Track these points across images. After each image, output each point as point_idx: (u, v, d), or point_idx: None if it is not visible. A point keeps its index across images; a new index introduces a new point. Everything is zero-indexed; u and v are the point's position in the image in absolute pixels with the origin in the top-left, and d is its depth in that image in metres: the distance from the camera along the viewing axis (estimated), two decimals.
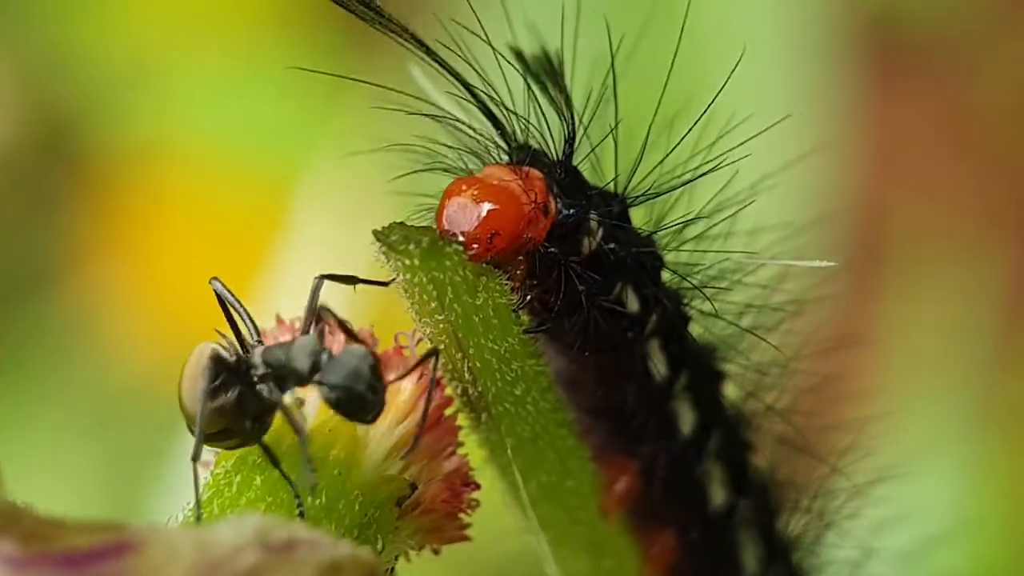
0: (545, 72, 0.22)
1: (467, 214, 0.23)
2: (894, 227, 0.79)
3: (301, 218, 0.75)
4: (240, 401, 0.24)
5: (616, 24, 0.25)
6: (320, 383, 0.23)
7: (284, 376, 0.24)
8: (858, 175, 0.74)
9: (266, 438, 0.25)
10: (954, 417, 0.66)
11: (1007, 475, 0.67)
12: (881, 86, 0.81)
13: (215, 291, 0.25)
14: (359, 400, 0.23)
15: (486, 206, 0.23)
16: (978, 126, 0.83)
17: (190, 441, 0.24)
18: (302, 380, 0.24)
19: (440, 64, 0.23)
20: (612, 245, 0.24)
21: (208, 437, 0.24)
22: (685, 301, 0.26)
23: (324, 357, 0.24)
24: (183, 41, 0.82)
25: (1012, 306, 0.75)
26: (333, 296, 0.26)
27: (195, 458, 0.23)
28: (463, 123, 0.25)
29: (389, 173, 0.26)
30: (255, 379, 0.24)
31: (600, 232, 0.24)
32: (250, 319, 0.25)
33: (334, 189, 0.73)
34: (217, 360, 0.24)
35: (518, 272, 0.24)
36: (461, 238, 0.23)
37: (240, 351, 0.24)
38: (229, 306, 0.25)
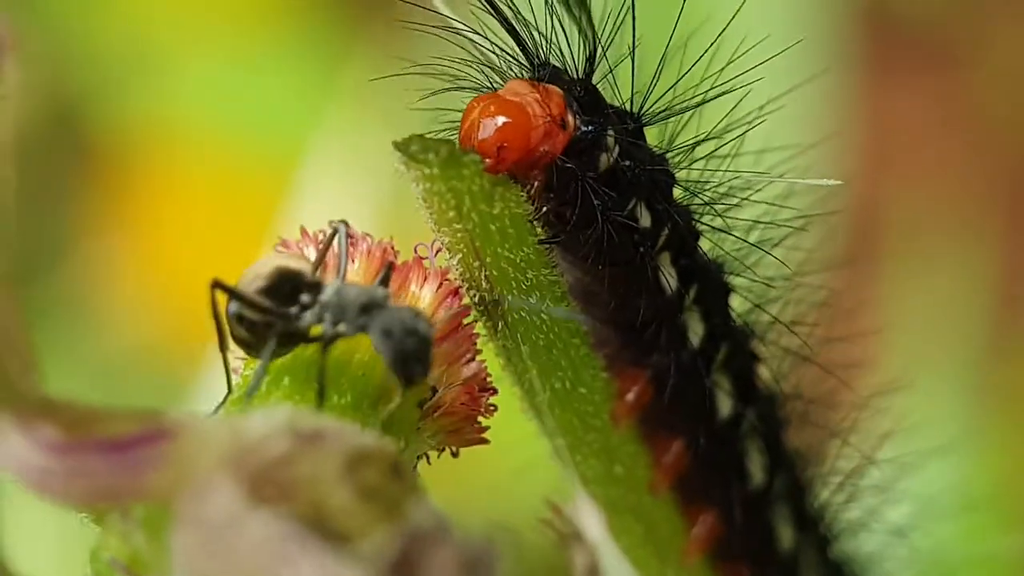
0: None
1: (481, 127, 0.24)
2: (889, 216, 0.80)
3: (304, 194, 0.75)
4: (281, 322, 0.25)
5: None
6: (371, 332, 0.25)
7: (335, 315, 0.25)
8: (854, 165, 0.75)
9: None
10: (948, 403, 0.67)
11: (1000, 460, 0.67)
12: (876, 77, 0.81)
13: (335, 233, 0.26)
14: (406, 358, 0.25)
15: (499, 119, 0.24)
16: (973, 116, 0.84)
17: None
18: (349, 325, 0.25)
19: None
20: (627, 162, 0.26)
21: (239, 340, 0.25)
22: (696, 217, 0.28)
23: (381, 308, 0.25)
24: (187, 22, 0.83)
25: (1006, 293, 0.76)
26: (355, 214, 0.27)
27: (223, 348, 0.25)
28: (488, 42, 0.26)
29: (393, 141, 0.26)
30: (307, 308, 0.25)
31: (616, 149, 0.25)
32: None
33: (337, 165, 0.74)
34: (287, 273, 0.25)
35: (536, 185, 0.25)
36: (477, 152, 0.24)
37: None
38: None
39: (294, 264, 0.25)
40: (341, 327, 0.25)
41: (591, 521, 0.24)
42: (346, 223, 0.27)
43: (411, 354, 0.25)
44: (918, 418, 0.64)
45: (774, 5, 0.66)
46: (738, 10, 0.29)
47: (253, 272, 0.25)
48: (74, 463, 0.21)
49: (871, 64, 0.80)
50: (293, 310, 0.25)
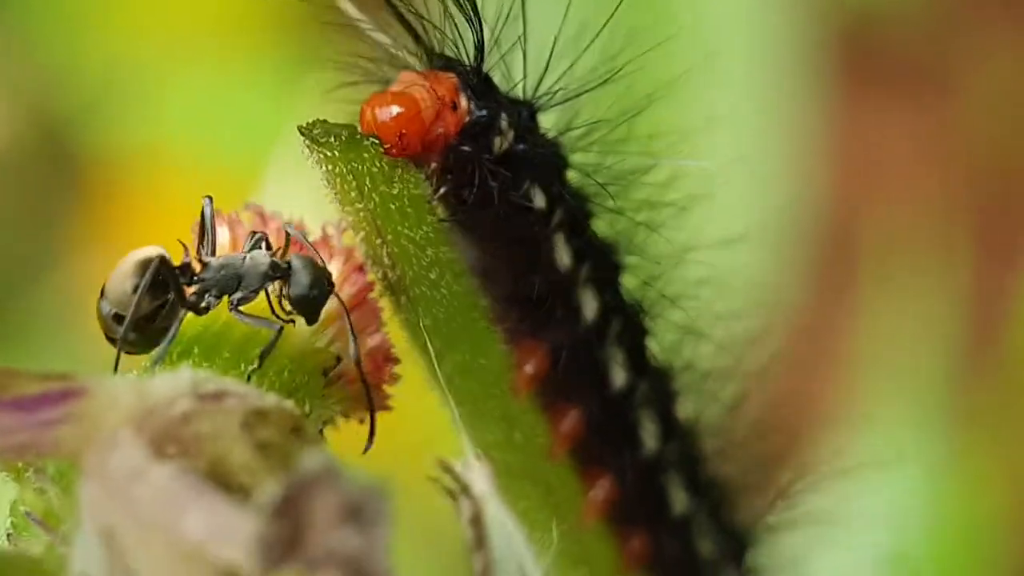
0: None
1: (377, 120, 0.26)
2: (864, 236, 0.82)
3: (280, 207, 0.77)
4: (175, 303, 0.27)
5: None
6: (287, 296, 0.27)
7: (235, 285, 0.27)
8: (829, 185, 0.76)
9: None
10: (920, 420, 0.68)
11: (970, 477, 0.69)
12: (854, 98, 0.83)
13: (203, 209, 0.28)
14: (315, 304, 0.27)
15: (392, 108, 0.26)
16: (950, 139, 0.86)
17: None
18: (255, 289, 0.27)
19: None
20: (521, 146, 0.27)
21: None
22: (589, 199, 0.29)
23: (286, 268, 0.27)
24: (170, 43, 0.84)
25: (979, 315, 0.77)
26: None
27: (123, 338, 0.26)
28: (391, 39, 0.27)
29: (298, 126, 0.28)
30: (198, 285, 0.27)
31: (511, 133, 0.27)
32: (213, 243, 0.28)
33: (314, 183, 0.75)
34: (162, 262, 0.27)
35: (434, 167, 0.27)
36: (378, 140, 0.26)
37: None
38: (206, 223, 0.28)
39: (153, 253, 0.27)
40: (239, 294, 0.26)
41: (478, 477, 0.25)
42: (257, 207, 0.29)
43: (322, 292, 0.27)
44: (887, 440, 0.66)
45: (753, 23, 0.68)
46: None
47: (121, 274, 0.27)
48: None
49: (849, 86, 0.82)
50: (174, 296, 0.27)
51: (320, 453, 0.22)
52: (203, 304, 0.27)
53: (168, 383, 0.24)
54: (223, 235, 0.28)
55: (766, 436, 0.34)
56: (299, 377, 0.27)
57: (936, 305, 0.73)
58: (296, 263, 0.27)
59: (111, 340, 0.27)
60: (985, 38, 0.87)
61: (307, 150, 0.27)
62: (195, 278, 0.27)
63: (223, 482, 0.24)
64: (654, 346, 0.31)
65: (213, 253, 0.28)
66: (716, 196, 0.30)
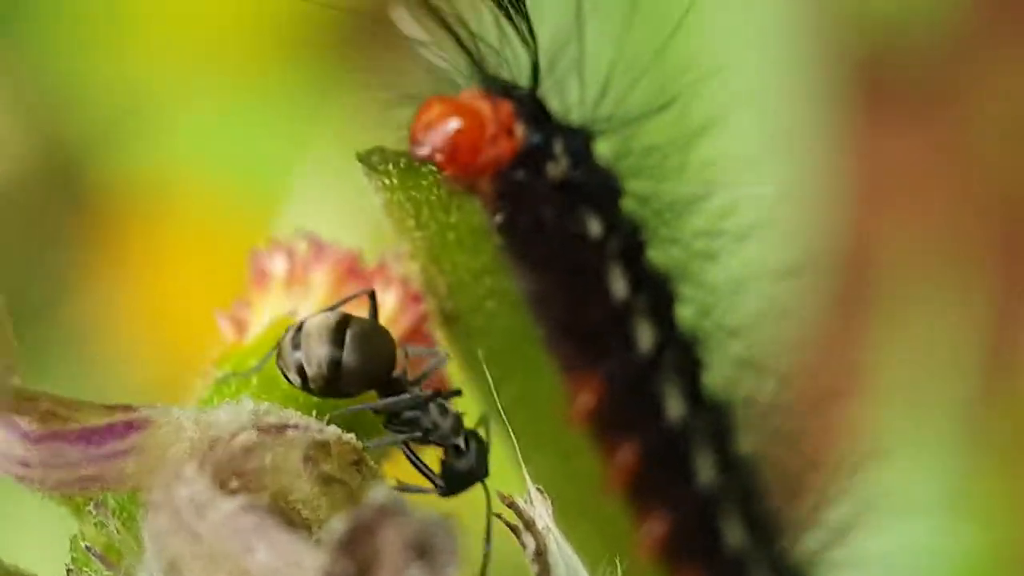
0: (509, 4, 0.25)
1: (433, 128, 0.26)
2: (881, 258, 0.81)
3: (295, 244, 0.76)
4: None
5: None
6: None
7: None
8: (847, 207, 0.76)
9: None
10: (935, 447, 0.68)
11: (988, 503, 0.68)
12: (871, 119, 0.83)
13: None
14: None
15: (451, 120, 0.26)
16: (966, 161, 0.85)
17: None
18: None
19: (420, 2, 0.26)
20: (576, 172, 0.27)
21: None
22: (644, 227, 0.29)
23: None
24: (186, 72, 0.84)
25: (996, 339, 0.77)
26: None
27: None
28: (443, 59, 0.27)
29: (356, 152, 0.27)
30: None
31: (565, 160, 0.27)
32: None
33: (325, 206, 0.75)
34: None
35: (487, 193, 0.27)
36: (428, 150, 0.26)
37: None
38: None
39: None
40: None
41: (541, 512, 0.25)
42: (312, 235, 0.29)
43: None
44: (907, 463, 0.65)
45: (771, 45, 0.68)
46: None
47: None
48: (51, 452, 0.23)
49: (866, 107, 0.81)
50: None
51: (385, 488, 0.22)
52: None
53: (230, 415, 0.24)
54: (280, 265, 0.28)
55: (810, 466, 0.34)
56: (358, 414, 0.27)
57: (951, 331, 0.73)
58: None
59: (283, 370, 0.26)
60: (1000, 64, 0.87)
61: (366, 177, 0.26)
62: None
63: (286, 516, 0.24)
64: (710, 379, 0.31)
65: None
66: (772, 224, 0.30)
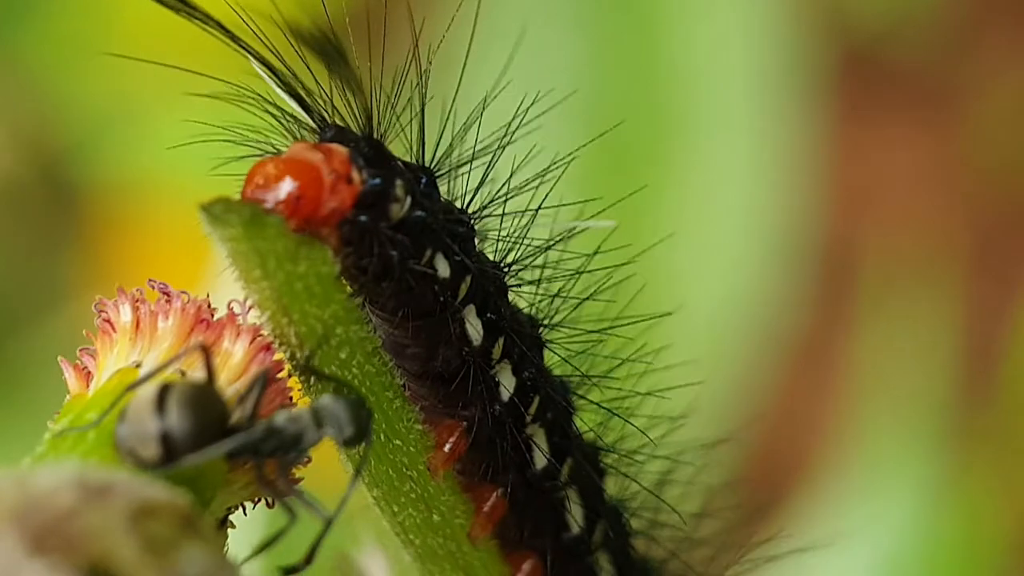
0: (328, 51, 0.24)
1: (270, 186, 0.25)
2: (864, 258, 0.81)
3: None
4: None
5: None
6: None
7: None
8: (829, 207, 0.76)
9: None
10: (919, 442, 0.68)
11: (966, 495, 0.68)
12: (855, 119, 0.82)
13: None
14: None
15: (287, 179, 0.25)
16: (954, 165, 0.85)
17: None
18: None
19: (251, 54, 0.25)
20: (419, 212, 0.26)
21: None
22: (503, 271, 0.28)
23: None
24: (172, 80, 0.83)
25: (975, 340, 0.77)
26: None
27: None
28: (281, 112, 0.27)
29: (199, 203, 0.27)
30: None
31: (408, 200, 0.26)
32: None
33: None
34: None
35: (332, 240, 0.26)
36: (270, 206, 0.25)
37: None
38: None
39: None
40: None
41: (376, 567, 0.24)
42: (162, 284, 0.28)
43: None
44: (885, 461, 0.65)
45: (756, 45, 0.68)
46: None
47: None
48: None
49: (851, 109, 0.81)
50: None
51: (203, 554, 0.21)
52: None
53: (53, 475, 0.23)
54: (125, 315, 0.28)
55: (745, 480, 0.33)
56: (202, 465, 0.26)
57: (935, 328, 0.72)
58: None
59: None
60: (988, 65, 0.87)
61: (209, 228, 0.26)
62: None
63: None
64: (577, 424, 0.30)
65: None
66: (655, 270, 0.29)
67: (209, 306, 0.28)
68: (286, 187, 0.25)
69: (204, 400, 0.24)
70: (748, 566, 0.34)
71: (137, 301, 0.28)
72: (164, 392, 0.24)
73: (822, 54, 0.73)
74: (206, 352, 0.25)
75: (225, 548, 0.26)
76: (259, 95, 0.27)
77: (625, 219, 0.30)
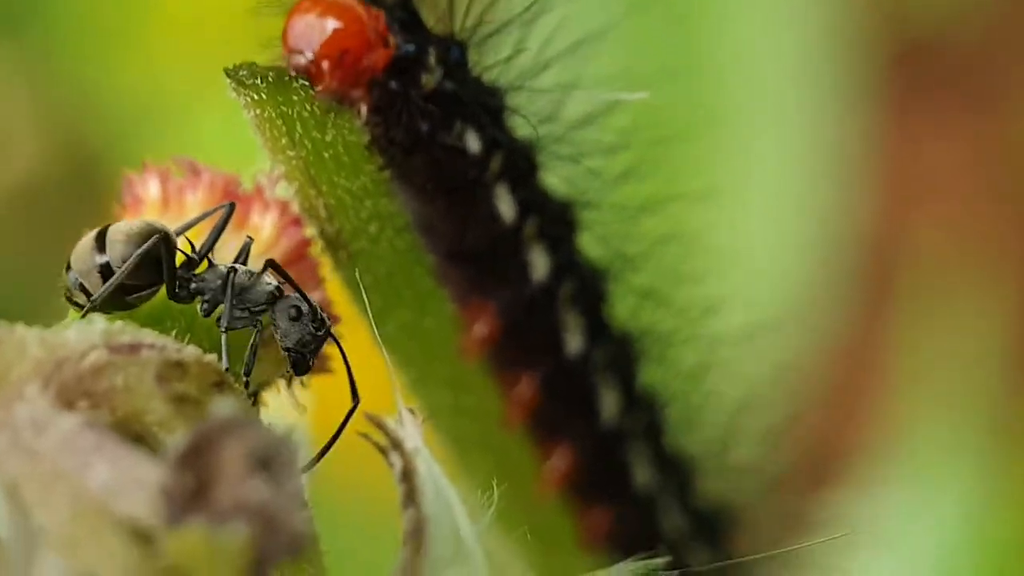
0: None
1: (313, 31, 0.25)
2: (910, 254, 0.80)
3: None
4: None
5: None
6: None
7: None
8: (877, 203, 0.75)
9: None
10: (962, 439, 0.67)
11: (1015, 498, 0.67)
12: (903, 115, 0.81)
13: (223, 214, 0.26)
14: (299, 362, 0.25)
15: (331, 22, 0.25)
16: (998, 157, 0.84)
17: None
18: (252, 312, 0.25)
19: None
20: (450, 83, 0.26)
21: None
22: (535, 146, 0.28)
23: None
24: (203, 75, 0.83)
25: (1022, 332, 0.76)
26: None
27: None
28: None
29: (224, 68, 0.26)
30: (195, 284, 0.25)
31: (439, 70, 0.26)
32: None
33: None
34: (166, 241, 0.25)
35: (362, 107, 0.26)
36: (309, 56, 0.25)
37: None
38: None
39: (158, 227, 0.26)
40: (238, 313, 0.25)
41: (410, 432, 0.24)
42: (189, 160, 0.28)
43: (311, 342, 0.25)
44: (928, 458, 0.64)
45: (805, 37, 0.67)
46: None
47: (124, 231, 0.25)
48: None
49: (900, 104, 0.80)
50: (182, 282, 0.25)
51: (232, 401, 0.21)
52: (202, 308, 0.26)
53: (80, 334, 0.23)
54: (153, 189, 0.27)
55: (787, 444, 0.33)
56: (233, 336, 0.26)
57: (980, 324, 0.72)
58: (284, 312, 0.25)
59: (70, 299, 0.26)
60: None
61: (234, 93, 0.25)
62: (194, 276, 0.25)
63: (139, 437, 0.23)
64: (613, 309, 0.30)
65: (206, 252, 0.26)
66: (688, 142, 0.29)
67: (237, 181, 0.27)
68: (330, 27, 0.25)
69: (146, 233, 0.24)
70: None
71: (164, 175, 0.27)
72: (104, 229, 0.24)
73: (873, 47, 0.72)
74: (229, 211, 0.25)
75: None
76: None
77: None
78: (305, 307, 0.25)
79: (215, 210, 0.26)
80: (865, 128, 0.69)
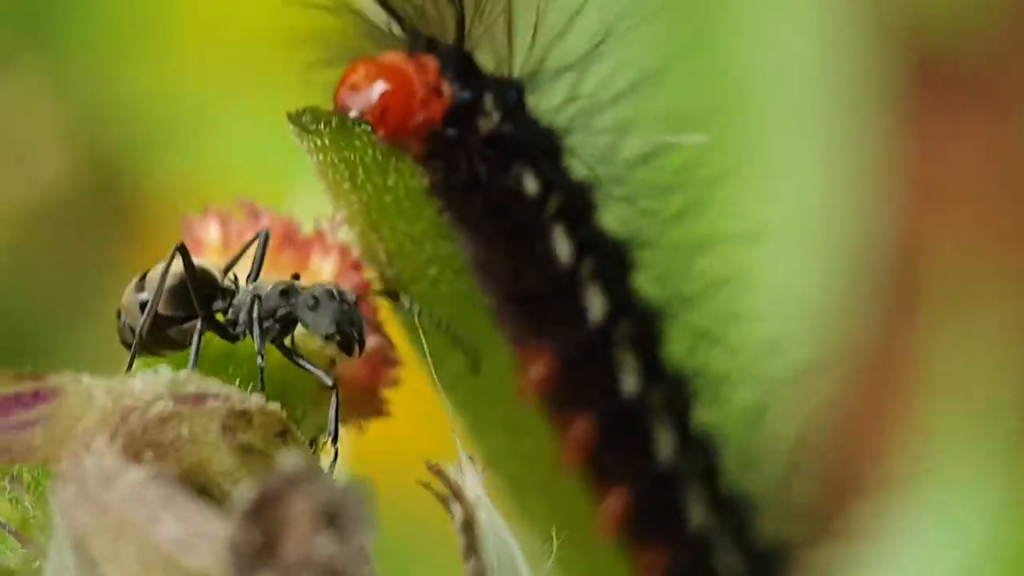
0: None
1: (361, 91, 0.25)
2: (933, 261, 0.80)
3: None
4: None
5: None
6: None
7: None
8: (899, 209, 0.75)
9: None
10: (988, 447, 0.67)
11: None
12: (929, 120, 0.81)
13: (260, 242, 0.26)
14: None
15: (378, 83, 0.25)
16: (1020, 162, 0.84)
17: None
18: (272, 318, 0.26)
19: None
20: (508, 127, 0.26)
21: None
22: (591, 187, 0.28)
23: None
24: (225, 83, 0.83)
25: None
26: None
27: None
28: (368, 17, 0.26)
29: (287, 113, 0.26)
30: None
31: (496, 114, 0.26)
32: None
33: None
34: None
35: (421, 154, 0.26)
36: (356, 114, 0.25)
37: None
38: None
39: (207, 267, 0.26)
40: (266, 325, 0.25)
41: (471, 481, 0.24)
42: (248, 202, 0.28)
43: (345, 316, 0.25)
44: (960, 464, 0.64)
45: (825, 42, 0.67)
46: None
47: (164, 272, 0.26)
48: None
49: (924, 107, 0.80)
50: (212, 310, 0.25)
51: (298, 454, 0.21)
52: (234, 332, 0.26)
53: (146, 384, 0.23)
54: (213, 231, 0.27)
55: (820, 456, 0.33)
56: (291, 379, 0.26)
57: (1003, 331, 0.71)
58: (303, 306, 0.25)
59: (123, 342, 0.27)
60: None
61: (297, 138, 0.25)
62: (230, 304, 0.26)
63: (204, 489, 0.23)
64: (668, 350, 0.29)
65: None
66: (741, 184, 0.29)
67: (297, 224, 0.27)
68: (377, 92, 0.25)
69: (187, 269, 0.25)
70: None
71: (224, 218, 0.27)
72: (146, 272, 0.25)
73: (892, 55, 0.72)
74: (264, 243, 0.25)
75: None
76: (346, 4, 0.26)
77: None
78: (320, 291, 0.25)
79: (253, 240, 0.26)
80: (887, 134, 0.69)
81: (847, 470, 0.33)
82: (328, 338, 0.25)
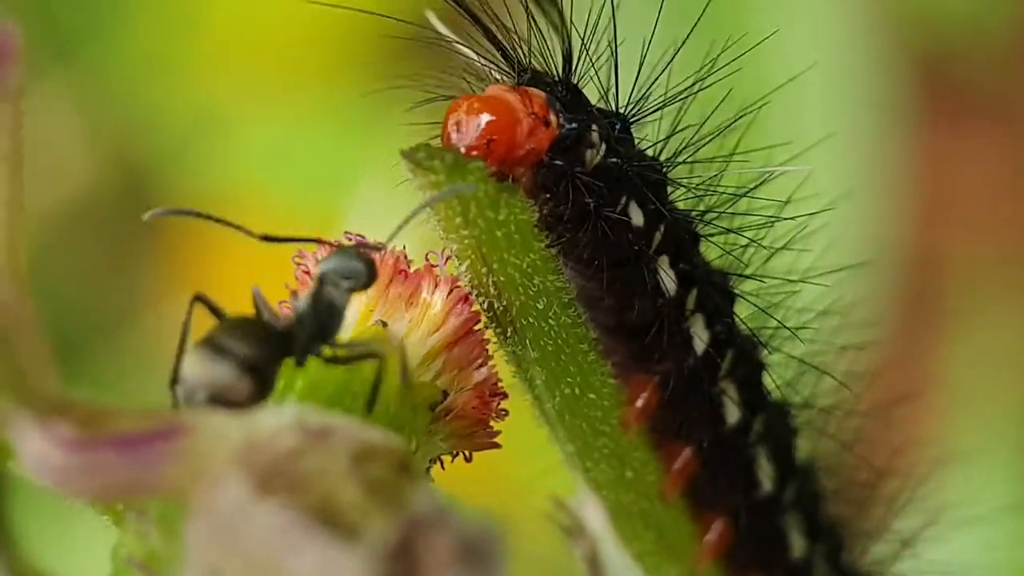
0: None
1: (466, 124, 0.25)
2: (949, 268, 0.80)
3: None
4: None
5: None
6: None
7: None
8: (913, 215, 0.75)
9: None
10: (1007, 454, 0.66)
11: None
12: (938, 128, 0.81)
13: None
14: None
15: (483, 115, 0.25)
16: None
17: None
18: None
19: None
20: (614, 159, 0.26)
21: None
22: (695, 219, 0.28)
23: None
24: (254, 91, 0.84)
25: None
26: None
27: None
28: (473, 53, 0.27)
29: (400, 149, 0.27)
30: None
31: (603, 146, 0.26)
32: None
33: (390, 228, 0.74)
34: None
35: (529, 186, 0.26)
36: (462, 149, 0.25)
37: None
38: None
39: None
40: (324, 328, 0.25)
41: (593, 516, 0.24)
42: (359, 236, 0.28)
43: (354, 259, 0.26)
44: (976, 470, 0.64)
45: (838, 55, 0.67)
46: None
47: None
48: (90, 459, 0.22)
49: (934, 117, 0.80)
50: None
51: (430, 492, 0.21)
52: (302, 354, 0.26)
53: (273, 419, 0.23)
54: None
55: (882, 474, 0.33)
56: (404, 412, 0.26)
57: (1020, 337, 0.71)
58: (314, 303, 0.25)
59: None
60: None
61: (410, 174, 0.26)
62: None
63: (331, 520, 0.23)
64: (770, 381, 0.30)
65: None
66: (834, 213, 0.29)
67: (406, 257, 0.28)
68: (483, 122, 0.25)
69: (239, 328, 0.25)
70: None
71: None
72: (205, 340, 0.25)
73: (904, 62, 0.72)
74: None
75: None
76: (450, 38, 0.26)
77: None
78: (323, 272, 0.26)
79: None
80: (898, 143, 0.69)
81: (865, 470, 0.33)
82: (370, 277, 0.25)
